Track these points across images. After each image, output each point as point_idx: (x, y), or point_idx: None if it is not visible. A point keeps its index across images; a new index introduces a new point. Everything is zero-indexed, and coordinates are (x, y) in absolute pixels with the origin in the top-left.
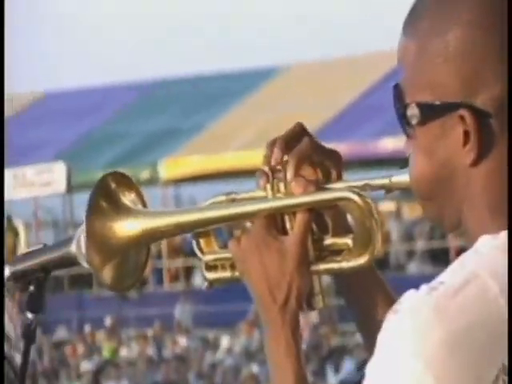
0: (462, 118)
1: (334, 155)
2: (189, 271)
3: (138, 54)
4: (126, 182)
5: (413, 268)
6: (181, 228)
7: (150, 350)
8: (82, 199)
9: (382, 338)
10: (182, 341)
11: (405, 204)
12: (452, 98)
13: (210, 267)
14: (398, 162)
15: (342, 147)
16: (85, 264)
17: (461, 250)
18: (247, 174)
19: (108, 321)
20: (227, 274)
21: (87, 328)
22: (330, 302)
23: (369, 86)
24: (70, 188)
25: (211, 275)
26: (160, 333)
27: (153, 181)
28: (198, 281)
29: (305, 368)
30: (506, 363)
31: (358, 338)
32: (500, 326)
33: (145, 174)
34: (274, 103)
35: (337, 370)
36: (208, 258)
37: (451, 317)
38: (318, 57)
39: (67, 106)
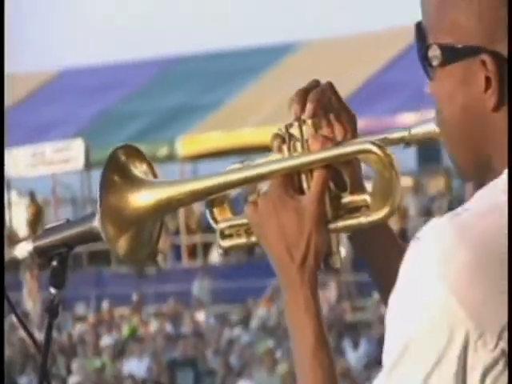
0: (483, 63)
1: (350, 113)
2: (207, 247)
3: (155, 30)
4: (137, 155)
5: None
6: (195, 195)
7: (168, 327)
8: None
9: (404, 265)
10: (200, 317)
11: (423, 179)
12: (473, 42)
13: (225, 235)
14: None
15: (360, 123)
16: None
17: None
18: (265, 149)
19: (134, 297)
20: (242, 240)
21: (105, 305)
22: (347, 277)
23: (386, 63)
24: (89, 165)
25: (226, 243)
26: (177, 309)
27: (171, 157)
28: (216, 257)
29: (324, 327)
30: None
31: (377, 313)
32: None
33: (163, 151)
34: (291, 79)
35: (355, 346)
36: (222, 225)
37: (474, 240)
38: (334, 33)
39: (84, 83)
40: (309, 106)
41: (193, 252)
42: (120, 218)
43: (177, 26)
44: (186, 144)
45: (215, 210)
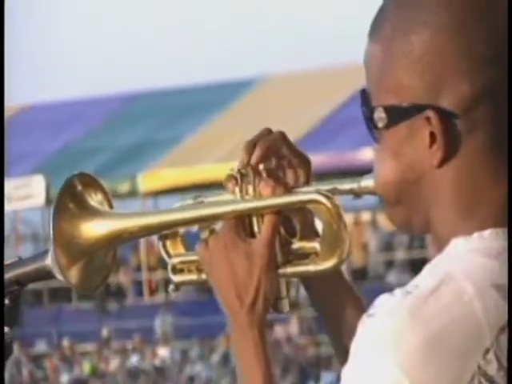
0: (427, 119)
1: (303, 158)
2: (168, 284)
3: (117, 66)
4: (93, 184)
5: (392, 278)
6: (148, 229)
7: (131, 363)
8: None
9: (357, 342)
10: (162, 353)
11: (382, 214)
12: (417, 99)
13: (177, 270)
14: None
15: (321, 158)
16: (60, 277)
17: None
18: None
19: (104, 332)
20: (193, 276)
21: (66, 342)
22: (307, 313)
23: (348, 97)
24: (49, 201)
25: (177, 278)
26: (140, 345)
27: (132, 193)
28: (178, 293)
29: (273, 370)
30: (482, 364)
31: None
32: (474, 327)
33: (124, 187)
34: (252, 115)
35: (317, 381)
36: (174, 260)
37: (427, 321)
38: (294, 68)
39: (47, 119)
40: (256, 153)
41: (154, 288)
42: (72, 246)
43: (137, 62)
44: (147, 180)
45: (168, 244)
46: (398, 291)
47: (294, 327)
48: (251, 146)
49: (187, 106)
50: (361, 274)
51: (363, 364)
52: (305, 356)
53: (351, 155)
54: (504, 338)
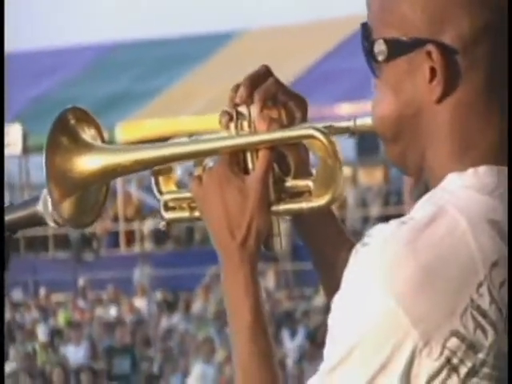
0: (428, 54)
1: (299, 99)
2: (145, 234)
3: (97, 16)
4: (86, 118)
5: None
6: (142, 164)
7: (107, 313)
8: (38, 162)
9: (350, 270)
10: (139, 304)
11: (361, 169)
12: (419, 34)
13: (168, 207)
14: None
15: None
16: (51, 223)
17: None
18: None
19: (80, 282)
20: (185, 214)
21: (42, 291)
22: (285, 266)
23: (323, 53)
24: (26, 150)
25: (169, 215)
26: (116, 296)
27: (110, 144)
28: (153, 245)
29: (263, 307)
30: (476, 298)
31: (315, 302)
32: (468, 261)
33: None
34: (231, 68)
35: (293, 335)
36: (166, 197)
37: (421, 250)
38: (273, 22)
39: (24, 67)
40: (256, 101)
41: (131, 239)
42: (66, 180)
43: (118, 13)
44: (125, 131)
45: (160, 181)
46: (393, 222)
47: (270, 281)
48: (251, 84)
49: (167, 58)
50: None
51: (355, 292)
52: (281, 310)
53: (327, 110)
54: (497, 273)
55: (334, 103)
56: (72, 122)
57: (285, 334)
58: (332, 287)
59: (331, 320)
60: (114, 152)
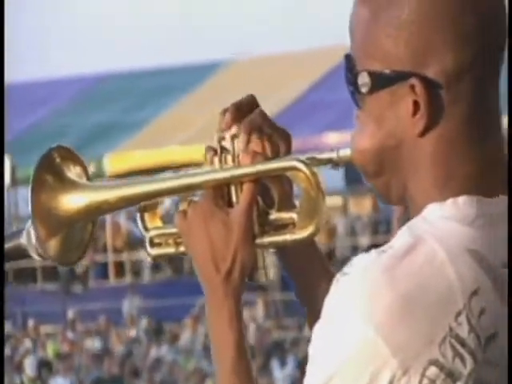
0: (412, 87)
1: (283, 132)
2: (135, 265)
3: (87, 46)
4: (71, 156)
5: None
6: (127, 200)
7: (96, 345)
8: (27, 193)
9: (330, 299)
10: (128, 335)
11: (350, 199)
12: (402, 67)
13: (154, 243)
14: None
15: None
16: (35, 256)
17: None
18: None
19: (70, 314)
20: (171, 249)
21: (31, 322)
22: (275, 296)
23: (312, 82)
24: (15, 182)
25: (155, 251)
26: (105, 327)
27: (98, 175)
28: (145, 275)
29: (246, 341)
30: (454, 326)
31: (304, 332)
32: (446, 290)
33: (90, 169)
34: (218, 98)
35: (282, 364)
36: (152, 233)
37: (400, 279)
38: (261, 52)
39: (15, 97)
40: (243, 134)
41: (120, 270)
42: (51, 218)
43: (106, 44)
44: (113, 161)
45: (146, 218)
46: (373, 251)
47: (259, 311)
48: (236, 111)
49: (154, 89)
50: (329, 256)
51: (335, 321)
52: (271, 340)
53: (316, 140)
54: (475, 302)
55: (321, 133)
56: (57, 160)
57: (274, 364)
58: (314, 318)
59: (311, 349)
60: (99, 189)
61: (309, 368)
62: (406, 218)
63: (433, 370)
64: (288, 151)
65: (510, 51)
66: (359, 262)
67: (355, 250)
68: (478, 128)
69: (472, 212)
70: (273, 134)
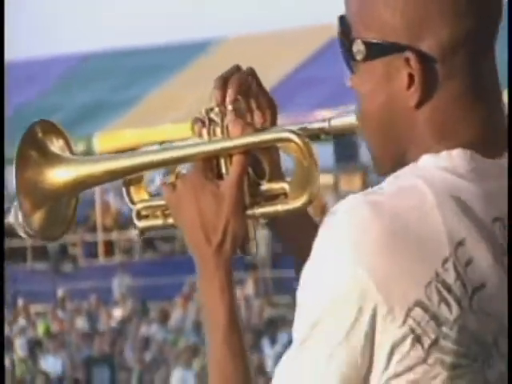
0: (407, 60)
1: (271, 99)
2: (125, 244)
3: (76, 25)
4: (54, 130)
5: None
6: (113, 174)
7: (85, 324)
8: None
9: (318, 241)
10: (118, 314)
11: (341, 177)
12: (397, 39)
13: (141, 216)
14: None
15: (278, 119)
16: (22, 234)
17: None
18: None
19: (60, 293)
20: (159, 221)
21: (21, 302)
22: (265, 274)
23: (302, 60)
24: (2, 161)
25: (142, 223)
26: (95, 306)
27: (88, 154)
28: (135, 254)
29: (237, 312)
30: (441, 272)
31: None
32: (434, 235)
33: (80, 147)
34: (209, 76)
35: (273, 342)
36: (139, 206)
37: (388, 217)
38: (252, 30)
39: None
40: (230, 92)
41: (110, 249)
42: (36, 193)
43: (96, 21)
44: (104, 140)
45: (132, 191)
46: (361, 192)
47: (249, 289)
48: (223, 82)
49: (144, 67)
50: None
51: (323, 260)
52: (261, 318)
53: (307, 117)
54: (462, 251)
55: (313, 110)
56: (40, 134)
57: (265, 342)
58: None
59: (300, 290)
60: (84, 163)
61: (299, 309)
62: None
63: (418, 311)
64: (274, 120)
65: (510, 45)
66: (347, 201)
67: None
68: (472, 100)
69: (464, 164)
70: (261, 98)
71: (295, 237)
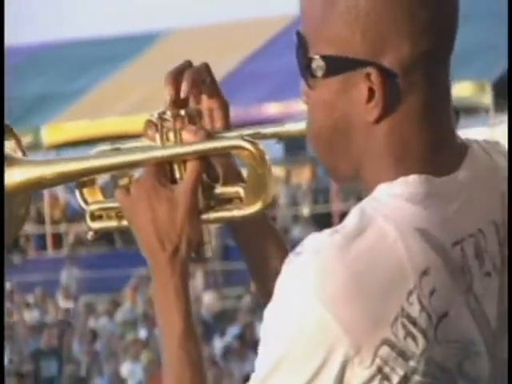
0: (368, 75)
1: (222, 98)
2: (73, 237)
3: (22, 17)
4: (5, 131)
5: (296, 232)
6: (66, 177)
7: (34, 316)
8: None
9: (282, 279)
10: (66, 306)
11: (293, 168)
12: (357, 54)
13: (95, 217)
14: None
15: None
16: None
17: (343, 215)
18: (131, 138)
19: (8, 286)
20: (113, 223)
21: None
22: (214, 266)
23: (250, 53)
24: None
25: (96, 224)
26: (43, 299)
27: (35, 146)
28: (83, 247)
29: (193, 319)
30: (406, 306)
31: (244, 302)
32: (398, 269)
33: (27, 139)
34: (157, 68)
35: (222, 334)
36: (93, 207)
37: (352, 259)
38: (201, 22)
39: None
40: (184, 87)
41: (58, 241)
42: None
43: (42, 13)
44: (51, 132)
45: (85, 192)
46: (326, 231)
47: (198, 281)
48: (175, 78)
49: (91, 59)
50: None
51: (287, 301)
52: (210, 310)
53: (255, 110)
54: (426, 281)
55: (262, 103)
56: None
57: (214, 334)
58: (263, 295)
59: (263, 329)
60: (36, 165)
61: (261, 348)
62: (346, 189)
63: (385, 350)
64: (226, 119)
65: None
66: (312, 242)
67: (296, 220)
68: (430, 114)
69: (421, 191)
70: (213, 96)
71: (251, 241)
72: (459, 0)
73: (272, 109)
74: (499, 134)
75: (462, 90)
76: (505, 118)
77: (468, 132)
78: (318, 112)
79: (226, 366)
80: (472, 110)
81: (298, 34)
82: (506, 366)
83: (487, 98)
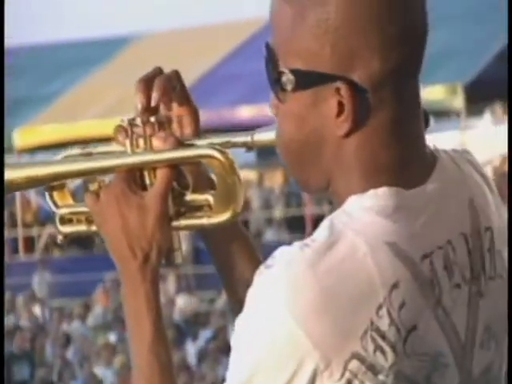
0: (337, 89)
1: (192, 105)
2: (45, 240)
3: None
4: None
5: (269, 235)
6: (35, 181)
7: (6, 321)
8: None
9: (254, 291)
10: (38, 311)
11: (266, 172)
12: (327, 69)
13: (65, 220)
14: (255, 129)
15: (200, 116)
16: None
17: (316, 218)
18: (104, 142)
19: None
20: (83, 227)
21: None
22: (187, 270)
23: (222, 56)
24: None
25: (66, 228)
26: (11, 303)
27: (8, 150)
28: (55, 250)
29: (163, 325)
30: (375, 320)
31: (216, 305)
32: (367, 284)
33: None
34: (130, 72)
35: (195, 338)
36: (63, 211)
37: (322, 273)
38: (171, 25)
39: None
40: (154, 94)
41: (30, 245)
42: None
43: (15, 17)
44: (23, 136)
45: (55, 195)
46: (296, 244)
47: (170, 285)
48: (145, 85)
49: (63, 62)
50: None
51: (258, 314)
52: (182, 313)
53: (228, 113)
54: (396, 295)
55: (235, 106)
56: None
57: (186, 337)
58: (234, 303)
59: (233, 341)
60: (6, 169)
61: (232, 358)
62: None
63: (354, 364)
64: (196, 126)
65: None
66: (283, 255)
67: (269, 223)
68: (399, 130)
69: (391, 203)
70: (183, 104)
71: (222, 248)
72: (427, 14)
73: (245, 112)
74: (470, 137)
75: (433, 93)
76: (476, 121)
77: (439, 136)
78: (289, 125)
79: (198, 370)
80: (443, 114)
81: (268, 47)
82: (475, 377)
83: (459, 102)
